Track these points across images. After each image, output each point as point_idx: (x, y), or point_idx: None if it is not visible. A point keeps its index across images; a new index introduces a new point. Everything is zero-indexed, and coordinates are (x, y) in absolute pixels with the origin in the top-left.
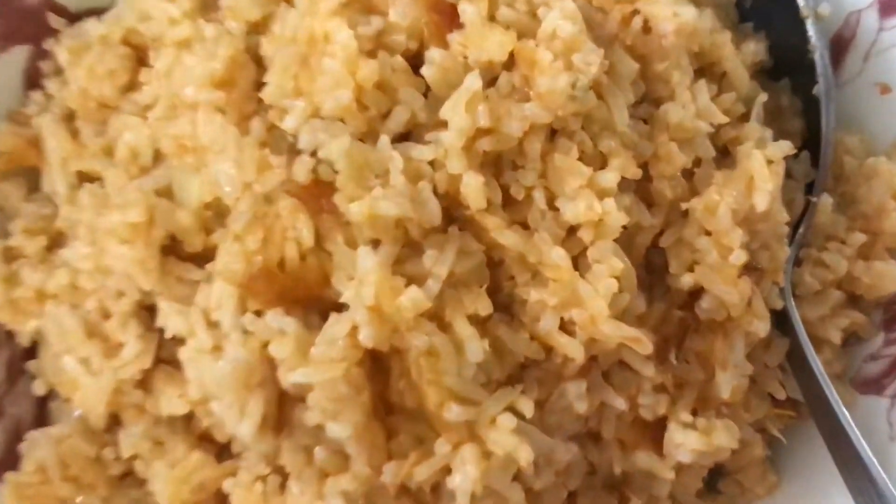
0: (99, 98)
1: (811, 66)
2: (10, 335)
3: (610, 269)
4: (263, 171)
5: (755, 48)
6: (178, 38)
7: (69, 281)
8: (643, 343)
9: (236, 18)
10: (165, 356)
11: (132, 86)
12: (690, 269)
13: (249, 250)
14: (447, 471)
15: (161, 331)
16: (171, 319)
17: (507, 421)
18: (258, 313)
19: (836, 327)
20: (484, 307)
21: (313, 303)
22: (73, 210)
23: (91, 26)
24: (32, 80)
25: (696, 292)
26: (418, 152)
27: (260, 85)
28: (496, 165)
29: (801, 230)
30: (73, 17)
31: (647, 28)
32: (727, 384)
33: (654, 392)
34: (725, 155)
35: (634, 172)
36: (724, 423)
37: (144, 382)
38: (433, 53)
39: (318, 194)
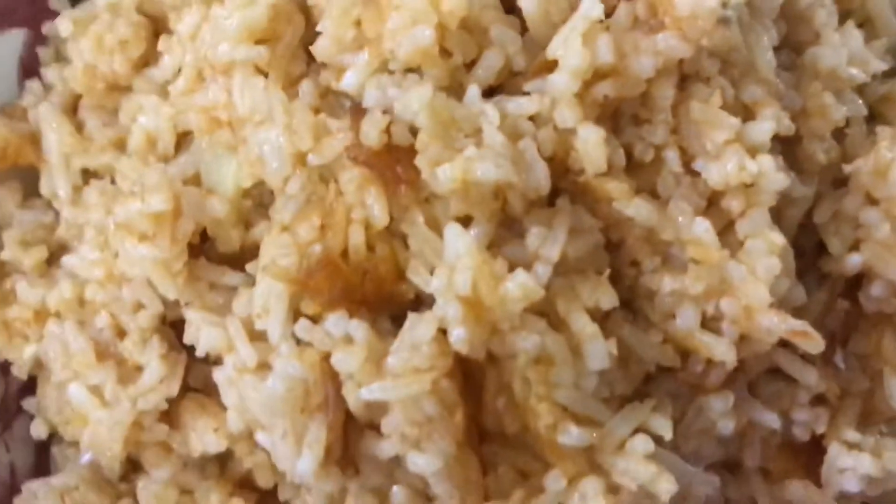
0: (109, 76)
1: None
2: (4, 368)
3: (769, 244)
4: (321, 137)
5: None
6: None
7: (74, 294)
8: (814, 340)
9: None
10: (196, 382)
11: (148, 60)
12: (855, 248)
13: (303, 240)
14: None
15: (190, 349)
16: (203, 333)
17: (641, 445)
18: (314, 320)
19: None
20: (608, 299)
21: (384, 303)
22: (78, 213)
23: None
24: (29, 69)
25: (859, 279)
26: (516, 106)
27: (310, 40)
28: (615, 120)
29: None
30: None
31: None
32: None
33: (811, 406)
34: (871, 118)
35: (788, 127)
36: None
37: (170, 415)
38: None
39: (392, 162)
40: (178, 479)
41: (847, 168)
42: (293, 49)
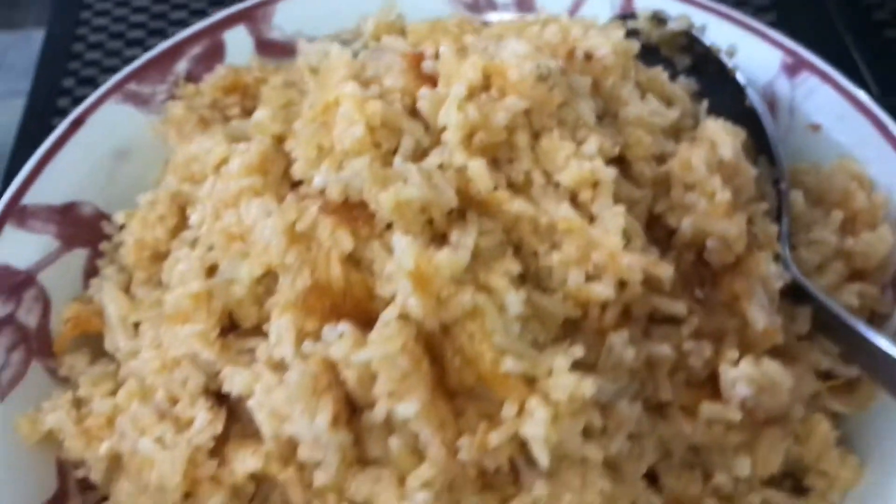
0: (152, 244)
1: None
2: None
3: (613, 215)
4: (302, 211)
5: (689, 82)
6: (217, 158)
7: (137, 388)
8: (664, 266)
9: (263, 133)
10: (237, 428)
11: (180, 228)
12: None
13: (299, 287)
14: (520, 445)
15: (228, 402)
16: (235, 380)
17: (564, 362)
18: (314, 338)
19: (851, 292)
20: (514, 267)
21: (362, 316)
22: (135, 343)
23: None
24: (90, 274)
25: (701, 249)
26: (428, 164)
27: (289, 176)
28: (494, 163)
29: (783, 220)
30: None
31: (588, 57)
32: (758, 314)
33: (695, 339)
34: None
35: (611, 147)
36: (772, 361)
37: (217, 452)
38: (423, 92)
39: (351, 210)
40: None
41: (663, 168)
42: (279, 178)
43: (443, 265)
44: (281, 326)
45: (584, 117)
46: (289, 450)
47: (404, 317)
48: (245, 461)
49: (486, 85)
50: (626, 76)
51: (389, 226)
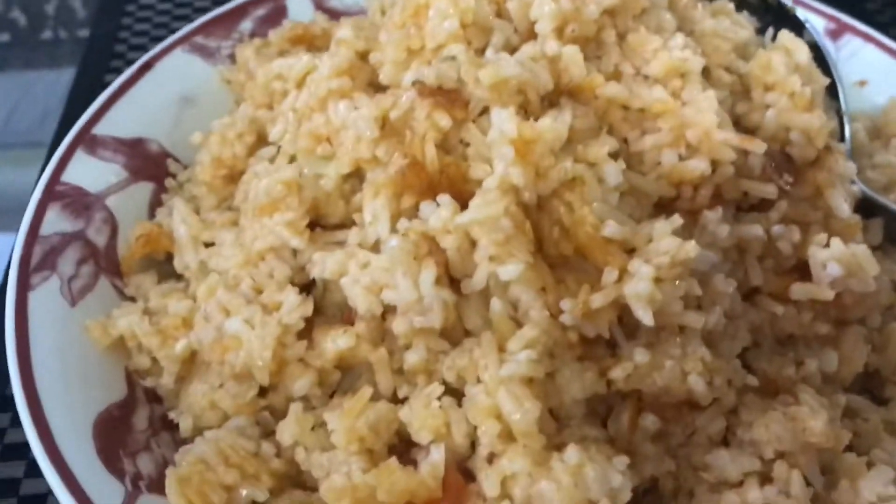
0: (230, 161)
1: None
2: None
3: (706, 97)
4: (396, 99)
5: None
6: (303, 70)
7: (219, 280)
8: (757, 142)
9: (347, 47)
10: (320, 320)
11: (258, 149)
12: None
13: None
14: (619, 313)
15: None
16: (327, 263)
17: (665, 227)
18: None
19: None
20: (611, 144)
21: (457, 198)
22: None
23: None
24: (155, 209)
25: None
26: (520, 54)
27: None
28: (584, 59)
29: (846, 144)
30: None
31: None
32: (841, 200)
33: (783, 224)
34: None
35: (694, 48)
36: (859, 245)
37: (306, 335)
38: None
39: (446, 94)
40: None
41: (743, 68)
42: (365, 84)
43: (545, 132)
44: (376, 205)
45: (665, 23)
46: (379, 332)
47: (504, 185)
48: (336, 340)
49: None
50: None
51: (483, 112)
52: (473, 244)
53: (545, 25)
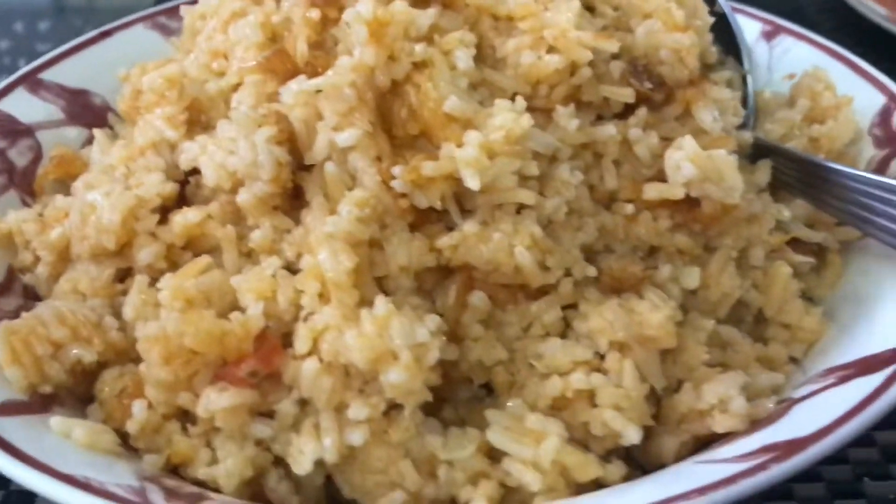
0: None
1: None
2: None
3: (570, 6)
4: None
5: None
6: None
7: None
8: (611, 41)
9: None
10: None
11: None
12: None
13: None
14: (455, 182)
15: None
16: (192, 149)
17: (504, 104)
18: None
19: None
20: (469, 37)
21: None
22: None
23: None
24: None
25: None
26: None
27: None
28: None
29: (749, 104)
30: None
31: None
32: (707, 115)
33: (641, 128)
34: None
35: None
36: (720, 151)
37: (163, 217)
38: None
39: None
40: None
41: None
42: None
43: (398, 14)
44: (242, 91)
45: None
46: (231, 213)
47: (356, 64)
48: (185, 215)
49: None
50: None
51: None
52: (320, 116)
53: None
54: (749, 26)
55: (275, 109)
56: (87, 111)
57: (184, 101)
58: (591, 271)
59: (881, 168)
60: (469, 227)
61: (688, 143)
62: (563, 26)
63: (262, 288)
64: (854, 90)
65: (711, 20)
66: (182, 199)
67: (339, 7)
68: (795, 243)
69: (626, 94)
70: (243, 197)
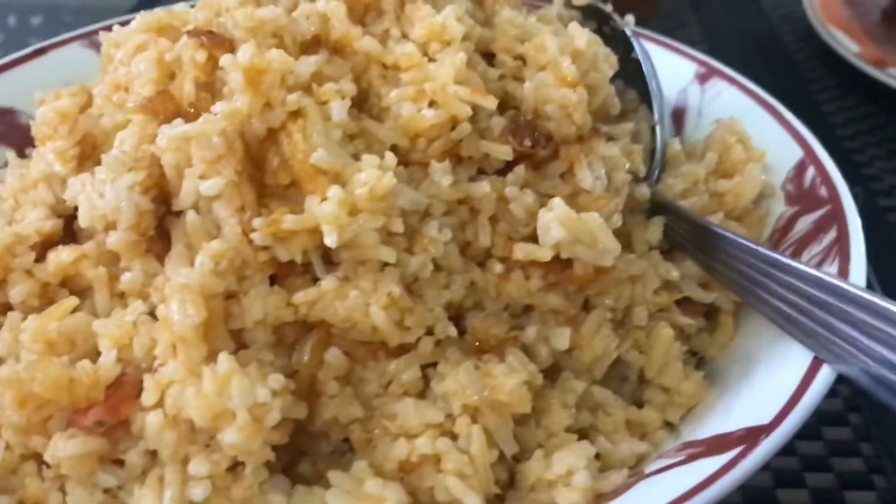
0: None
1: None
2: None
3: (453, 53)
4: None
5: None
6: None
7: None
8: (490, 98)
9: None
10: None
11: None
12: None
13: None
14: (318, 235)
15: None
16: (75, 185)
17: (372, 160)
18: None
19: (714, 218)
20: (349, 87)
21: None
22: None
23: None
24: None
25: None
26: (299, 10)
27: None
28: (363, 22)
29: (655, 156)
30: None
31: None
32: (587, 172)
33: (520, 188)
34: None
35: (471, 25)
36: (593, 214)
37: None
38: None
39: (212, 38)
40: None
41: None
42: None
43: (274, 63)
44: (125, 131)
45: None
46: (107, 254)
47: (230, 111)
48: (60, 254)
49: None
50: (511, 1)
51: None
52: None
53: None
54: (684, 68)
55: (150, 152)
56: (14, 131)
57: (75, 136)
58: (452, 331)
59: (788, 226)
60: (327, 283)
61: (557, 204)
62: (444, 80)
63: (120, 335)
64: (774, 141)
65: (611, 71)
66: (72, 235)
67: (230, 49)
68: (687, 302)
69: (504, 152)
70: (112, 239)
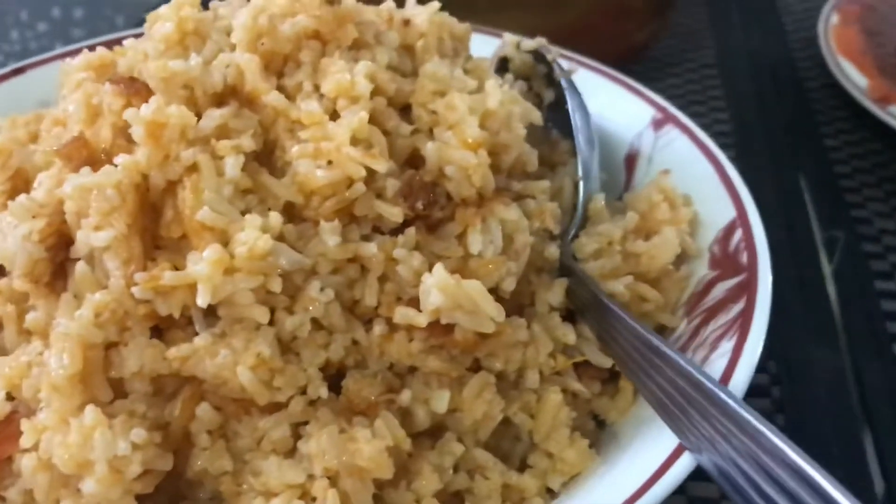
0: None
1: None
2: None
3: (353, 114)
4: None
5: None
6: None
7: None
8: (381, 161)
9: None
10: None
11: None
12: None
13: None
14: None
15: None
16: None
17: (256, 220)
18: None
19: (621, 283)
20: (248, 145)
21: None
22: None
23: None
24: None
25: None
26: (217, 61)
27: None
28: (279, 76)
29: (575, 214)
30: None
31: (406, 22)
32: (477, 240)
33: (409, 250)
34: None
35: (386, 79)
36: (476, 282)
37: None
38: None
39: (131, 86)
40: None
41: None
42: None
43: (173, 117)
44: (42, 174)
45: (378, 58)
46: (17, 293)
47: (129, 163)
48: None
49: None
50: (443, 50)
51: None
52: None
53: (238, 35)
54: (642, 112)
55: (58, 197)
56: None
57: (6, 172)
58: (324, 392)
59: (705, 291)
60: (200, 339)
61: (437, 270)
62: (340, 139)
63: (11, 375)
64: (712, 197)
65: (524, 132)
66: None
67: (147, 98)
68: (587, 366)
69: (395, 214)
70: (16, 281)
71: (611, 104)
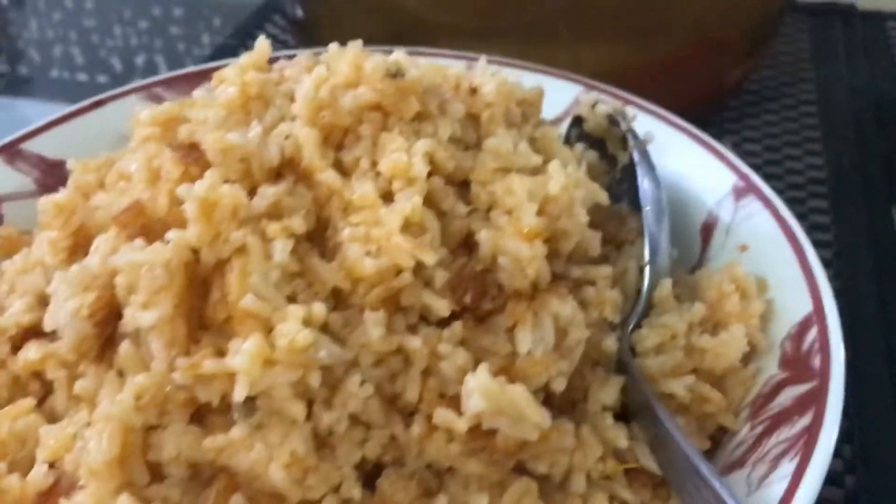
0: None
1: None
2: None
3: (410, 203)
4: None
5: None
6: None
7: None
8: (429, 254)
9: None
10: None
11: None
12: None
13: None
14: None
15: None
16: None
17: (298, 311)
18: None
19: (681, 383)
20: (298, 224)
21: None
22: None
23: None
24: None
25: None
26: (277, 131)
27: None
28: (338, 149)
29: (639, 301)
30: None
31: (473, 91)
32: (526, 338)
33: (454, 345)
34: None
35: (445, 158)
36: (520, 386)
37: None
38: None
39: (191, 154)
40: None
41: (490, 188)
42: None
43: (224, 198)
44: (103, 236)
45: (440, 131)
46: (68, 360)
47: (180, 240)
48: (28, 351)
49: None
50: (511, 119)
51: None
52: None
53: (300, 108)
54: (723, 178)
55: (110, 268)
56: (63, 184)
57: (68, 229)
58: (357, 493)
59: (773, 394)
60: (237, 431)
61: (481, 371)
62: (390, 227)
63: (57, 447)
64: (790, 286)
65: (586, 218)
66: None
67: (205, 164)
68: (639, 471)
69: (442, 308)
70: (65, 351)
71: (690, 167)
